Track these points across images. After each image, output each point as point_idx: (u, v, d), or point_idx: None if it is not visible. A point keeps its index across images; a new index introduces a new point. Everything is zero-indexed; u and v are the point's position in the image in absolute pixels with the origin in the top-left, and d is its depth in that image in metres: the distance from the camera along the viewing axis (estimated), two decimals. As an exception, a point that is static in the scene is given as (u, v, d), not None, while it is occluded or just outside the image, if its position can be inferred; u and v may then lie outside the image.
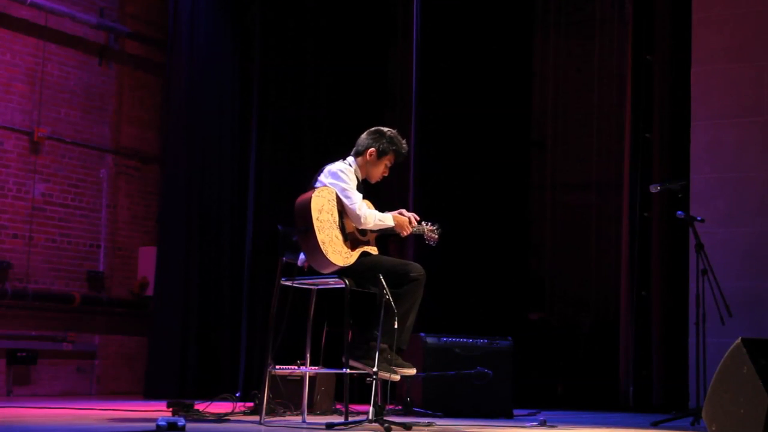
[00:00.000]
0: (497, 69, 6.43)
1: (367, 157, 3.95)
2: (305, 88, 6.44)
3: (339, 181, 3.85)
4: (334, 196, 3.81)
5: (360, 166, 3.97)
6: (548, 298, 6.94)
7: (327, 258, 3.68)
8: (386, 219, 3.91)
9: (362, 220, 3.81)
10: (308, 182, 3.93)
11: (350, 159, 4.00)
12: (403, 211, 4.03)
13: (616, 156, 6.39)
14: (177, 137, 6.36)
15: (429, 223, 4.12)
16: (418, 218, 4.06)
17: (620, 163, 5.89)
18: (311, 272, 3.82)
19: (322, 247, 3.67)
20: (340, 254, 3.73)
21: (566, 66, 7.23)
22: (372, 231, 3.94)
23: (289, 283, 3.83)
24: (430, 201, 5.99)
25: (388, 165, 4.01)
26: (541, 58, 7.12)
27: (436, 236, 4.12)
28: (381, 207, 4.05)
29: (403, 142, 4.01)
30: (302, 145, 6.39)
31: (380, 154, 3.95)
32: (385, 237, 4.09)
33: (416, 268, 3.83)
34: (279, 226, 3.86)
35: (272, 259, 4.06)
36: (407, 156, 4.11)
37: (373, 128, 4.03)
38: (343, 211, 3.83)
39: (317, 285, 3.94)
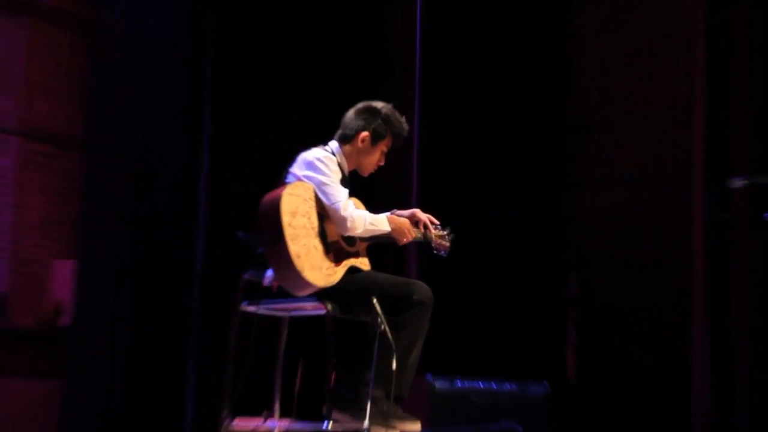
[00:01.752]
0: (525, 31, 6.45)
1: (359, 143, 3.97)
2: (277, 64, 6.38)
3: (316, 173, 3.83)
4: (312, 194, 3.81)
5: (347, 155, 3.98)
6: (593, 326, 6.92)
7: (302, 276, 3.66)
8: (380, 222, 3.91)
9: (348, 224, 3.80)
10: (279, 176, 3.93)
11: (333, 145, 4.00)
12: (417, 212, 4.04)
13: (683, 141, 6.33)
14: (109, 119, 6.19)
15: (438, 227, 4.14)
16: (434, 221, 4.12)
17: (688, 151, 5.86)
18: (282, 294, 3.81)
19: (296, 261, 3.64)
20: (320, 270, 3.72)
21: (614, 27, 7.14)
22: (362, 239, 3.94)
23: (252, 309, 3.84)
24: (438, 199, 6.04)
25: (385, 151, 4.03)
26: (581, 17, 6.98)
27: (448, 244, 4.13)
28: (374, 207, 4.06)
29: (403, 120, 4.03)
30: (273, 135, 6.29)
31: (375, 139, 3.97)
32: (380, 247, 4.10)
33: (421, 289, 3.84)
34: (239, 234, 3.84)
35: (231, 277, 4.07)
36: (408, 139, 4.14)
37: (362, 104, 4.04)
38: (323, 213, 3.83)
39: (290, 311, 3.94)
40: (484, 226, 6.08)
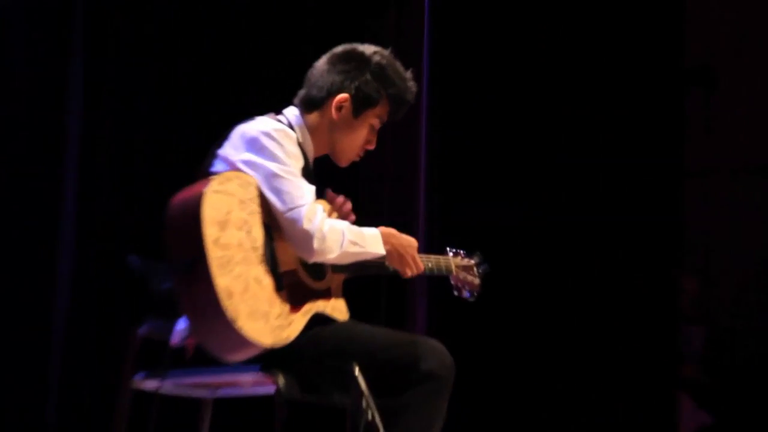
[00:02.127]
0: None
1: (333, 111, 3.98)
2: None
3: (262, 156, 3.79)
4: (255, 193, 3.77)
5: (314, 130, 3.99)
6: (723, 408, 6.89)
7: (236, 328, 3.58)
8: (368, 240, 3.89)
9: (315, 245, 3.75)
10: (199, 163, 3.91)
11: (291, 113, 4.01)
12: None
13: None
14: None
15: (460, 254, 4.24)
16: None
17: None
18: (203, 360, 3.75)
19: (225, 303, 3.58)
20: (265, 319, 3.66)
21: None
22: (336, 268, 3.93)
23: (153, 386, 3.81)
24: (464, 205, 6.19)
25: (377, 126, 4.05)
26: None
27: (477, 280, 4.25)
28: (359, 217, 4.07)
29: (408, 76, 4.04)
30: (187, 101, 6.42)
31: (360, 105, 3.98)
32: (364, 281, 4.08)
33: (433, 352, 3.81)
34: (131, 260, 3.80)
35: (115, 330, 4.02)
36: (414, 104, 4.14)
37: (341, 47, 4.06)
38: (273, 224, 3.79)
39: (215, 389, 3.95)
40: (541, 248, 6.03)
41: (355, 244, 3.82)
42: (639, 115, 6.65)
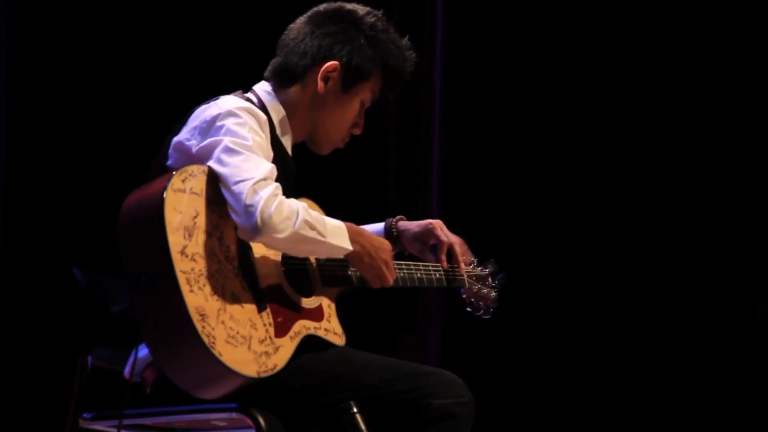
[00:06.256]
0: None
1: (318, 82, 4.02)
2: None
3: (216, 135, 3.82)
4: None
5: (291, 108, 4.07)
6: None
7: (213, 357, 3.62)
8: (331, 231, 3.86)
9: (258, 220, 3.69)
10: (153, 156, 3.94)
11: (261, 89, 4.07)
12: (436, 225, 4.19)
13: None
14: None
15: (471, 261, 4.32)
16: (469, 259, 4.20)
17: None
18: (165, 395, 3.82)
19: (198, 326, 3.62)
20: (247, 346, 3.71)
21: None
22: (327, 281, 3.99)
23: (105, 428, 3.88)
24: (488, 201, 6.08)
25: (367, 104, 4.12)
26: None
27: (494, 293, 4.34)
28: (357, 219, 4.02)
29: (405, 45, 4.13)
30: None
31: (353, 76, 4.04)
32: (360, 303, 4.20)
33: (448, 386, 3.86)
34: (75, 271, 3.92)
35: (55, 360, 4.04)
36: (413, 79, 4.22)
37: (323, 6, 4.10)
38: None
39: None
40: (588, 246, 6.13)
41: (312, 228, 3.77)
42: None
